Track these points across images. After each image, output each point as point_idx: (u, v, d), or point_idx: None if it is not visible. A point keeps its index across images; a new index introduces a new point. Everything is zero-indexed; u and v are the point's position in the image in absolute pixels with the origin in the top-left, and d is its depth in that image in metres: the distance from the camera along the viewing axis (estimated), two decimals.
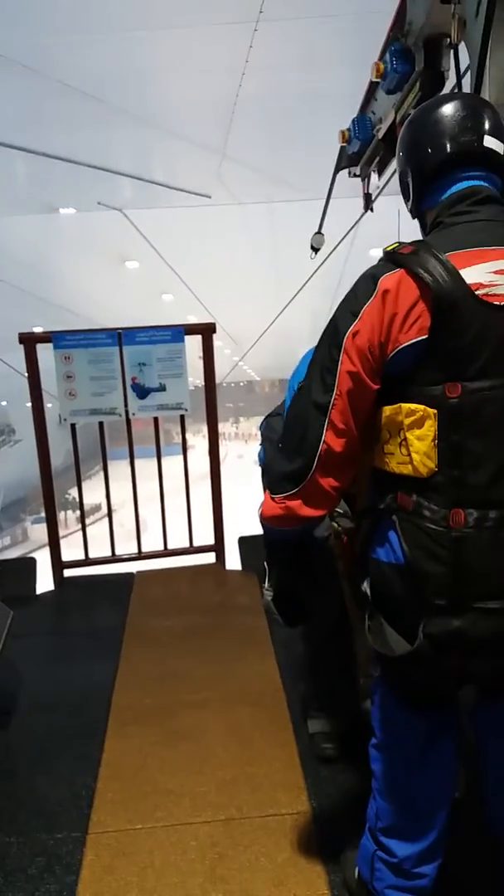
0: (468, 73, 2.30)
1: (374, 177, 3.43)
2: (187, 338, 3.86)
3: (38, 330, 4.03)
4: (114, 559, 4.07)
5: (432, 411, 1.26)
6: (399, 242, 1.35)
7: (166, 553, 4.06)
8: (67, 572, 3.94)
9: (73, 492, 4.21)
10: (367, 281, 1.33)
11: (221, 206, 11.94)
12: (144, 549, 4.12)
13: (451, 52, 2.32)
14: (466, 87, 2.29)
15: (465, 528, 1.25)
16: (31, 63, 7.29)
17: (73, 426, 3.83)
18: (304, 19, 6.32)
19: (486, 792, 1.51)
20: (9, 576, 3.82)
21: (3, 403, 21.51)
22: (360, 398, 1.34)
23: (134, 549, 4.12)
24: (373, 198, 3.51)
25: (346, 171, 3.50)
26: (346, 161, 3.40)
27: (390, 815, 1.49)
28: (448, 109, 1.40)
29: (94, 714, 2.59)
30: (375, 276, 1.31)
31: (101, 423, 3.86)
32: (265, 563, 1.81)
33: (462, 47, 2.27)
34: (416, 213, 1.52)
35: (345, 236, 7.75)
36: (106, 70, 7.92)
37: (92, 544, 4.02)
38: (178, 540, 4.08)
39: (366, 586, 1.43)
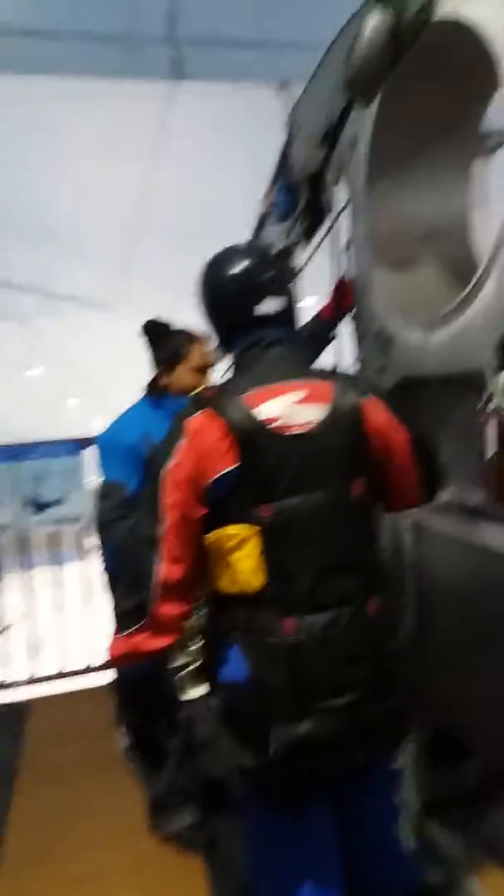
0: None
1: None
2: None
3: None
4: (4, 686, 3.78)
5: (254, 531, 1.38)
6: (204, 387, 1.58)
7: (61, 675, 3.82)
8: None
9: None
10: (178, 424, 1.47)
11: (126, 319, 12.24)
12: (41, 669, 3.86)
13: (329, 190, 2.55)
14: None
15: (297, 635, 1.36)
16: None
17: None
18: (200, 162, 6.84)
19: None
20: None
21: None
22: (187, 525, 1.42)
23: (27, 671, 3.85)
24: None
25: None
26: None
27: None
28: (239, 277, 1.58)
29: None
30: (182, 420, 1.47)
31: None
32: (117, 708, 1.76)
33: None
34: (223, 347, 1.71)
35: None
36: (10, 193, 8.18)
37: None
38: (77, 659, 3.85)
39: (217, 709, 1.46)
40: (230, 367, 1.64)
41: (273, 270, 1.62)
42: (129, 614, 1.46)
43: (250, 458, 1.40)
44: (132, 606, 1.45)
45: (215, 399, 1.47)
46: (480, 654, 1.70)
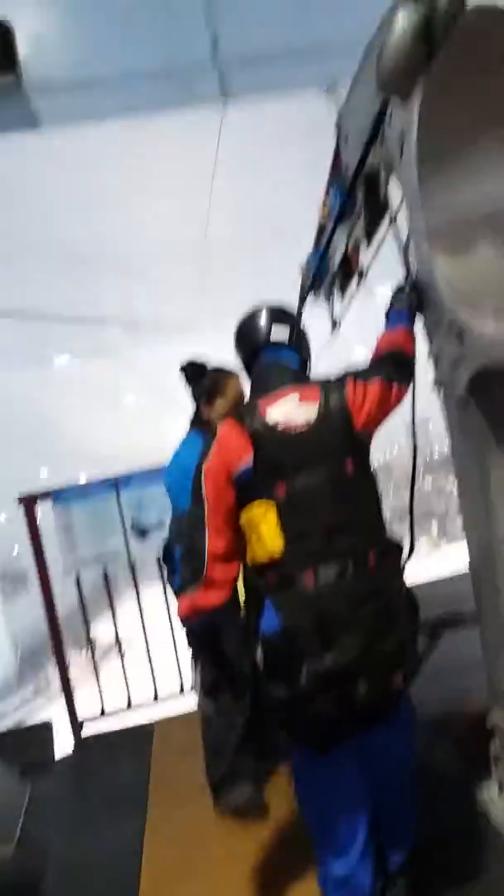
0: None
1: (337, 299, 3.61)
2: None
3: (44, 474, 4.11)
4: (130, 707, 3.93)
5: (272, 504, 1.80)
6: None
7: (182, 693, 3.92)
8: (86, 729, 3.80)
9: (92, 630, 4.10)
10: (213, 434, 1.98)
11: (205, 334, 12.51)
12: (161, 690, 3.98)
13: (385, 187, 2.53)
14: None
15: (317, 584, 1.74)
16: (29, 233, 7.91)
17: (77, 578, 3.82)
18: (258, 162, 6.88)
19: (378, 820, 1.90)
20: (27, 743, 3.68)
21: (16, 553, 21.45)
22: (224, 507, 1.88)
23: (149, 692, 3.98)
24: (339, 321, 3.67)
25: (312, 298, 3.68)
26: (308, 290, 3.59)
27: (323, 843, 1.89)
28: (252, 319, 2.23)
29: (125, 880, 2.44)
30: (215, 429, 1.98)
31: (105, 571, 3.85)
32: (192, 662, 2.11)
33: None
34: (246, 371, 2.27)
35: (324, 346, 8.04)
36: (87, 237, 8.56)
37: (109, 686, 3.91)
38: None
39: (259, 657, 1.77)
40: (253, 381, 2.17)
41: (279, 311, 2.23)
42: (191, 578, 1.93)
43: (263, 451, 1.84)
44: (191, 573, 1.94)
45: (237, 410, 1.99)
46: None
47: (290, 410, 1.89)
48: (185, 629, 2.07)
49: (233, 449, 1.87)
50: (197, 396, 2.78)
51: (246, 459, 1.84)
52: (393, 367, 2.03)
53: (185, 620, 2.01)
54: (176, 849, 2.59)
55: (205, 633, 2.05)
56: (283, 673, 1.72)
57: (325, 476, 1.82)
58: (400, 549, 1.95)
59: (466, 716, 2.58)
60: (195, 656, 2.08)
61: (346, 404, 1.90)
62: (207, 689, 2.05)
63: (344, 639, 1.68)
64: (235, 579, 1.93)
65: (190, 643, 2.10)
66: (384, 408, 1.97)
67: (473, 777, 2.47)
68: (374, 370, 2.01)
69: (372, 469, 2.00)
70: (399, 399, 2.02)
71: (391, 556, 1.90)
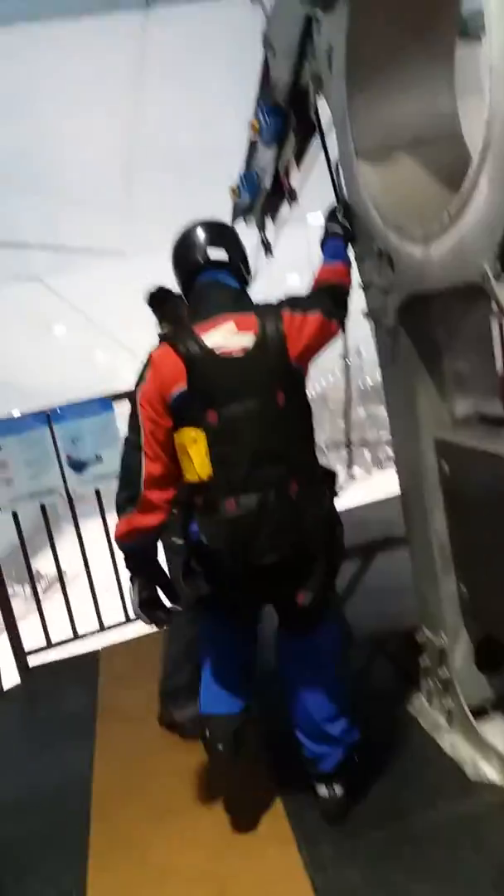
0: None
1: (268, 223, 3.54)
2: None
3: None
4: (76, 638, 3.99)
5: (202, 432, 1.84)
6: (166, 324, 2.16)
7: (128, 622, 3.99)
8: (31, 660, 3.85)
9: (34, 564, 4.08)
10: (147, 357, 1.99)
11: (136, 259, 12.09)
12: (106, 620, 4.05)
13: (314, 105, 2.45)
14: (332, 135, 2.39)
15: (237, 510, 1.82)
16: None
17: (14, 514, 3.78)
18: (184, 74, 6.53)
19: (289, 704, 2.15)
20: None
21: None
22: (159, 432, 1.92)
23: (94, 623, 4.05)
24: (271, 243, 3.61)
25: (242, 222, 3.59)
26: (240, 213, 3.50)
27: (210, 682, 2.21)
28: (187, 240, 2.17)
29: (75, 804, 2.52)
30: (149, 353, 1.98)
31: (42, 507, 3.82)
32: (129, 579, 2.17)
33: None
34: (184, 295, 2.24)
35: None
36: (2, 148, 8.02)
37: (54, 619, 3.95)
38: None
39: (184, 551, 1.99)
40: (191, 302, 2.15)
41: (216, 229, 2.19)
42: (128, 501, 2.01)
43: (196, 377, 1.85)
44: (127, 495, 2.01)
45: (174, 335, 1.95)
46: None
47: (226, 338, 1.89)
48: (122, 552, 2.15)
49: (167, 374, 1.88)
50: (164, 321, 2.85)
51: (181, 384, 1.86)
52: (331, 301, 2.06)
53: (120, 542, 2.08)
54: (125, 771, 2.68)
55: (141, 553, 2.13)
56: (205, 564, 1.95)
57: (255, 406, 1.84)
58: (326, 478, 2.03)
59: (400, 633, 2.73)
60: (132, 578, 2.15)
61: (282, 334, 1.90)
62: (143, 603, 2.14)
63: (257, 562, 1.86)
64: (171, 501, 2.00)
65: (128, 565, 2.17)
66: (320, 341, 2.00)
67: (406, 688, 2.65)
68: (314, 302, 2.03)
69: (306, 401, 2.02)
70: (335, 333, 2.06)
71: (315, 485, 1.96)
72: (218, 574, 1.94)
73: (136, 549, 2.11)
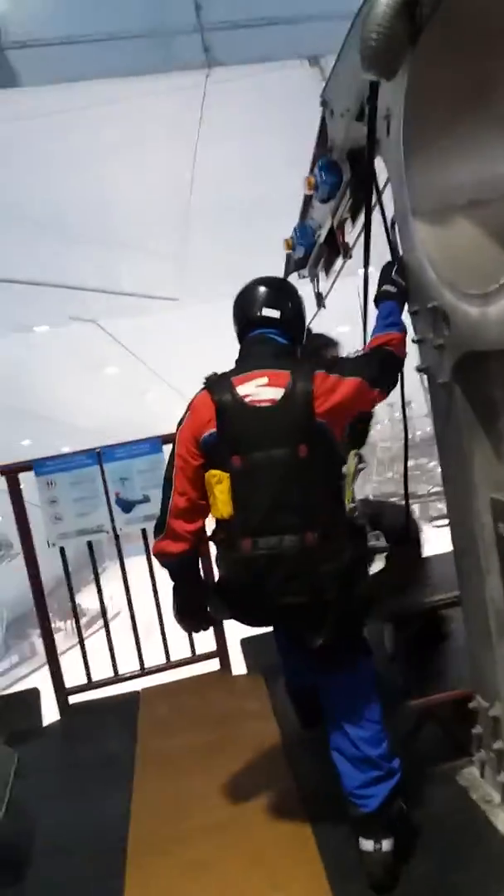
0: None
1: (321, 276, 3.61)
2: None
3: (26, 443, 4.07)
4: (117, 679, 3.99)
5: (226, 475, 2.01)
6: (214, 373, 2.19)
7: (169, 666, 3.98)
8: (72, 698, 3.86)
9: (79, 600, 4.12)
10: (190, 401, 2.18)
11: (188, 306, 12.39)
12: (146, 661, 4.04)
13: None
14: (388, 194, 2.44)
15: (252, 551, 1.97)
16: None
17: (62, 549, 3.84)
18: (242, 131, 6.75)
19: (328, 729, 2.22)
20: (13, 710, 3.73)
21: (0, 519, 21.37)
22: (188, 469, 2.13)
23: (135, 662, 4.04)
24: (324, 295, 3.67)
25: (296, 274, 3.67)
26: (293, 266, 3.58)
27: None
28: (247, 295, 2.34)
29: (112, 850, 2.49)
30: (192, 398, 2.18)
31: (89, 543, 3.87)
32: (173, 592, 2.36)
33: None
34: (239, 344, 2.36)
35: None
36: (65, 199, 8.38)
37: (95, 656, 3.96)
38: (178, 649, 4.00)
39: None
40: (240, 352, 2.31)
41: (275, 288, 2.35)
42: (159, 527, 2.23)
43: (225, 423, 2.04)
44: (159, 522, 2.23)
45: (214, 382, 2.14)
46: None
47: (257, 390, 2.05)
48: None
49: (202, 417, 2.09)
50: None
51: (212, 427, 2.06)
52: (379, 370, 2.16)
53: (157, 558, 2.32)
54: (162, 820, 2.64)
55: (177, 569, 2.31)
56: (224, 594, 2.16)
57: (278, 455, 1.99)
58: (353, 533, 2.17)
59: (452, 700, 2.61)
60: (173, 587, 2.36)
61: (310, 392, 2.01)
62: (178, 609, 2.34)
63: (271, 603, 2.04)
64: (196, 532, 2.21)
65: (170, 576, 2.36)
66: (356, 404, 2.13)
67: (457, 758, 2.52)
68: (359, 367, 2.12)
69: (334, 457, 2.14)
70: (376, 402, 2.19)
71: (336, 539, 2.04)
72: (237, 604, 2.14)
73: (170, 566, 2.30)
